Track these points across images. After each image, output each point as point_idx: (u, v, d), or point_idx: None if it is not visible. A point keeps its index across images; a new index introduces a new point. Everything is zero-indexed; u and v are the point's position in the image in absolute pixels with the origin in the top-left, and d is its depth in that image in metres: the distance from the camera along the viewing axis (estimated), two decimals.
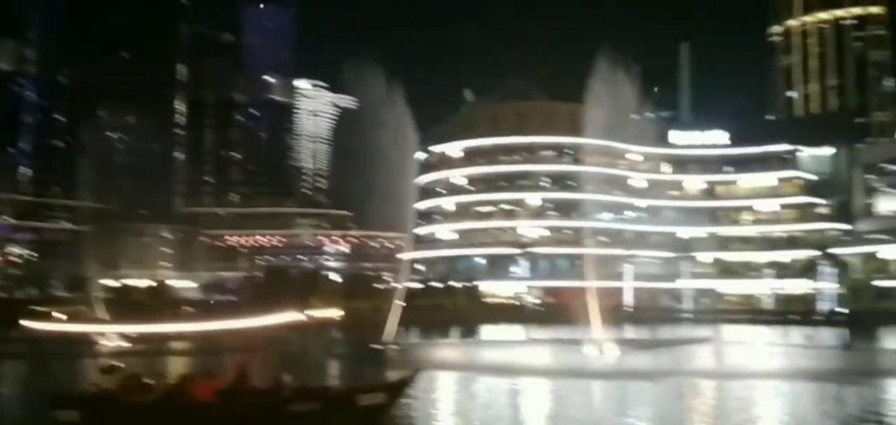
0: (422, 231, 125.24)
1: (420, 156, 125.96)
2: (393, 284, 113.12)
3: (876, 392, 28.95)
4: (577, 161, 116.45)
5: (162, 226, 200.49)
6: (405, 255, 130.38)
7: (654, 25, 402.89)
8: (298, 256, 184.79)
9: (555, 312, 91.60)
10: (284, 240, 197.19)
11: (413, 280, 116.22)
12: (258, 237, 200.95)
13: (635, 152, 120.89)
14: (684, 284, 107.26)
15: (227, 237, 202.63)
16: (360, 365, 38.99)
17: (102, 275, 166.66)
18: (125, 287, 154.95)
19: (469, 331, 71.39)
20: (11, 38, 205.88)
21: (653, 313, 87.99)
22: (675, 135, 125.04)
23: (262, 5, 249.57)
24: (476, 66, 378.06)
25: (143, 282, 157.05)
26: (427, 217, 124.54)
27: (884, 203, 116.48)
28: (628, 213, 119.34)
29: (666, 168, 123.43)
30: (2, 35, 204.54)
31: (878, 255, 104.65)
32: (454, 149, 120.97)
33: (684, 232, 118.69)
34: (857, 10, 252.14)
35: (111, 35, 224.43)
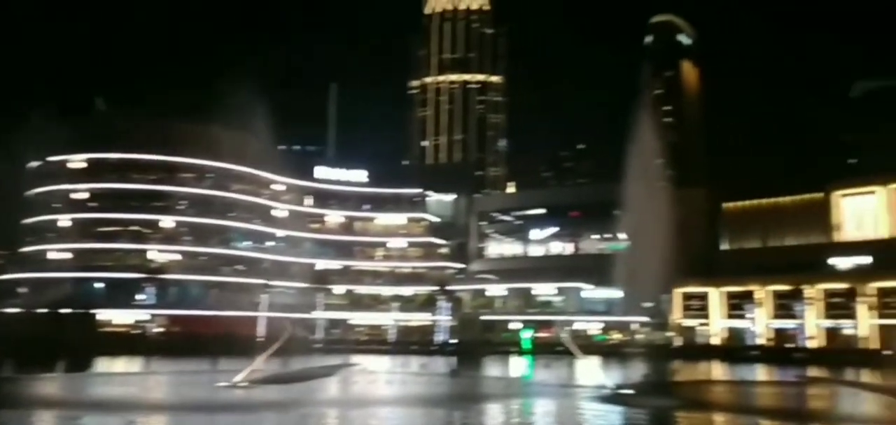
0: (29, 249, 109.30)
1: (34, 164, 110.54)
2: None
3: (476, 415, 32.36)
4: (219, 186, 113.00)
5: None
6: (4, 276, 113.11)
7: (306, 64, 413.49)
8: None
9: (184, 342, 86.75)
10: None
11: (13, 304, 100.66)
12: None
13: (279, 183, 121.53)
14: (318, 315, 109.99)
15: None
16: None
17: None
18: None
19: (80, 364, 63.45)
20: None
21: (287, 344, 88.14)
22: (319, 171, 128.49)
23: None
24: (111, 72, 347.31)
25: None
26: (37, 233, 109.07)
27: (493, 247, 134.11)
28: (268, 243, 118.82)
29: (308, 201, 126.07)
30: None
31: (487, 293, 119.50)
32: (76, 160, 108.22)
33: (321, 264, 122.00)
34: (480, 77, 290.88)
35: None
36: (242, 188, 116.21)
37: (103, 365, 65.16)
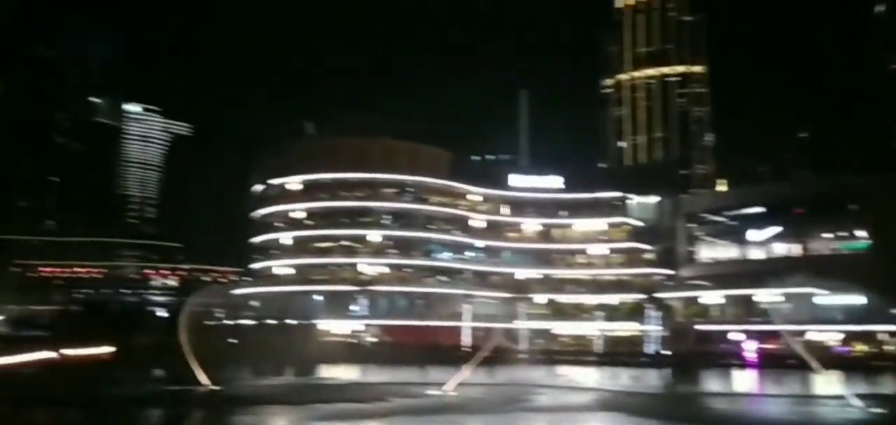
0: (258, 265, 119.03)
1: (258, 188, 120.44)
2: (224, 320, 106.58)
3: None
4: (418, 199, 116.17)
5: None
6: (239, 290, 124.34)
7: (494, 72, 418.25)
8: (121, 289, 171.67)
9: (395, 351, 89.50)
10: (106, 272, 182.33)
11: (247, 316, 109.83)
12: (76, 268, 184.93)
13: (475, 193, 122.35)
14: (520, 325, 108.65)
15: (40, 267, 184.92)
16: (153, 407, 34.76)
17: None
18: None
19: (304, 370, 67.32)
20: None
21: (491, 354, 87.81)
22: (514, 179, 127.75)
23: (90, 25, 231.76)
24: (317, 98, 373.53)
25: None
26: (263, 251, 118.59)
27: (704, 250, 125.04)
28: (468, 254, 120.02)
29: (505, 210, 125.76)
30: None
31: (700, 300, 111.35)
32: (293, 182, 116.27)
33: (521, 273, 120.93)
34: (680, 69, 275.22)
35: None
36: (441, 200, 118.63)
37: (325, 371, 68.74)
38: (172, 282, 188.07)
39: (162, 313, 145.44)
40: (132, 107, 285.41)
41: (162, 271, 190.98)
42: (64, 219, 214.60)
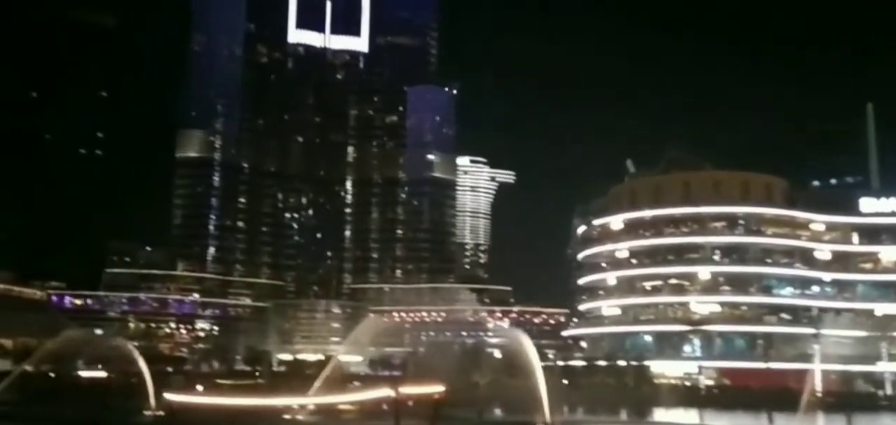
0: (585, 306, 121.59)
1: (581, 229, 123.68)
2: (557, 362, 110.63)
3: None
4: (751, 232, 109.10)
5: (332, 301, 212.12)
6: (568, 332, 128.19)
7: (834, 88, 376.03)
8: (461, 331, 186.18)
9: (735, 395, 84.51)
10: (446, 315, 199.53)
11: (577, 357, 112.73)
12: (421, 312, 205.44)
13: (818, 221, 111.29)
14: (885, 367, 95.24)
15: (392, 312, 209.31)
16: None
17: (279, 349, 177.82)
18: (297, 360, 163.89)
19: (639, 413, 67.20)
20: (200, 129, 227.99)
21: (848, 399, 78.56)
22: (865, 203, 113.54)
23: (425, 86, 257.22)
24: (637, 137, 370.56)
25: (315, 356, 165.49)
26: (590, 292, 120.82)
27: None
28: (813, 288, 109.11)
29: (855, 238, 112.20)
30: (192, 126, 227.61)
31: None
32: (616, 221, 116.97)
33: (881, 308, 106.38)
34: None
35: (286, 123, 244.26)
36: (777, 232, 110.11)
37: (660, 414, 67.65)
38: (504, 323, 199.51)
39: (497, 354, 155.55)
40: (462, 161, 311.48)
41: (495, 314, 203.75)
42: (409, 268, 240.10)
